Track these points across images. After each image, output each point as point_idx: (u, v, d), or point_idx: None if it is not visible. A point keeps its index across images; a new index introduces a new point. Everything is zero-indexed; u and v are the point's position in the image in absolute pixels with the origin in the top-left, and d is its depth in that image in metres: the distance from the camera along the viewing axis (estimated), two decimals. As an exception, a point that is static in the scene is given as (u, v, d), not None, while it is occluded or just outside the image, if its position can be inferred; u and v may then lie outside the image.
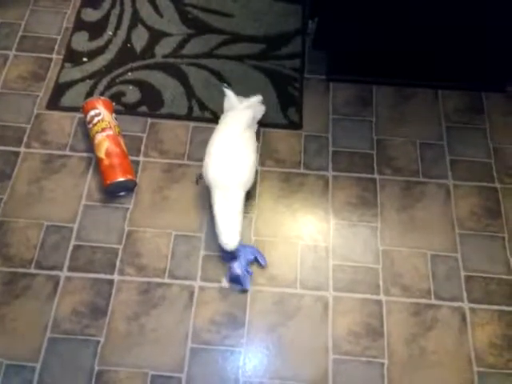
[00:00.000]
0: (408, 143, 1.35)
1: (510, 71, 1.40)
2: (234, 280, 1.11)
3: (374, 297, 1.14)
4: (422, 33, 1.25)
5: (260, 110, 1.29)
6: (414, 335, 1.09)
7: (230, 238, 1.07)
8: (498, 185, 1.29)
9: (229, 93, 1.27)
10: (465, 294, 1.15)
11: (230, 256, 1.11)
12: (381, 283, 1.15)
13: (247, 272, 1.11)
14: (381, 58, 1.39)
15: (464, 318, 1.12)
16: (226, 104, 1.28)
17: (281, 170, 1.30)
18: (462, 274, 1.17)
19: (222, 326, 1.08)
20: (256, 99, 1.29)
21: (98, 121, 1.22)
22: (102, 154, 1.19)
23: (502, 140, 1.36)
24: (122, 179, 1.17)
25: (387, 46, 1.33)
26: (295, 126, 1.36)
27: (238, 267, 1.09)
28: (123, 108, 1.35)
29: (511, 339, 1.10)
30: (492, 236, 1.22)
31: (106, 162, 1.18)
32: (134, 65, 1.43)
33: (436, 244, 1.20)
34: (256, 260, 1.14)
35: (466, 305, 1.14)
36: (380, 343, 1.08)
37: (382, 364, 1.06)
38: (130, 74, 1.41)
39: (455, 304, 1.13)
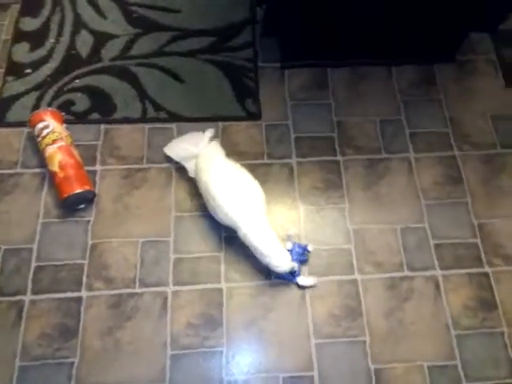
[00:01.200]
0: (367, 122, 1.35)
1: (457, 41, 1.42)
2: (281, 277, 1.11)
3: (350, 277, 1.13)
4: (368, 10, 1.25)
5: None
6: (391, 309, 1.10)
7: (282, 260, 1.05)
8: (456, 152, 1.31)
9: (179, 146, 1.22)
10: (436, 262, 1.16)
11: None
12: (355, 262, 1.15)
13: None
14: (333, 41, 1.38)
15: (437, 286, 1.13)
16: (182, 154, 1.21)
17: (244, 162, 1.27)
18: (432, 242, 1.18)
19: (200, 327, 1.06)
20: (207, 134, 1.22)
21: (48, 133, 1.16)
22: (55, 167, 1.13)
23: (457, 108, 1.37)
24: (79, 191, 1.12)
25: (335, 26, 1.32)
26: (254, 116, 1.34)
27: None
28: (73, 117, 1.30)
29: (484, 299, 1.12)
30: (456, 202, 1.24)
31: (60, 174, 1.13)
32: (81, 71, 1.38)
33: (404, 217, 1.21)
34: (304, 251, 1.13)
35: (438, 272, 1.15)
36: (360, 322, 1.08)
37: (364, 342, 1.07)
38: (77, 81, 1.36)
39: (428, 273, 1.15)
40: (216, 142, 1.21)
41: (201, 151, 1.17)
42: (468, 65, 1.44)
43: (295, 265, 1.08)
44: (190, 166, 1.19)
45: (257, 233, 1.05)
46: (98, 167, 1.24)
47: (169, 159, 1.24)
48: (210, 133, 1.22)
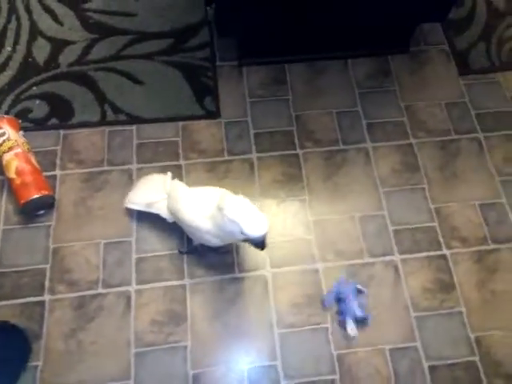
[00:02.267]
0: (325, 114, 1.38)
1: (409, 32, 1.46)
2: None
3: (312, 266, 1.16)
4: (321, 4, 1.28)
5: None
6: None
7: (255, 228, 0.94)
8: (413, 140, 1.34)
9: (141, 196, 1.17)
10: (395, 248, 1.19)
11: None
12: (316, 252, 1.18)
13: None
14: (289, 37, 1.41)
15: (397, 270, 1.16)
16: (146, 201, 1.16)
17: (205, 160, 1.29)
18: (391, 228, 1.21)
19: (164, 324, 1.07)
20: (169, 174, 1.18)
21: (4, 140, 1.17)
22: (12, 174, 1.14)
23: (411, 98, 1.41)
24: (36, 196, 1.12)
25: (290, 22, 1.35)
26: (213, 115, 1.36)
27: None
28: (32, 124, 1.30)
29: (442, 281, 1.15)
30: (413, 188, 1.27)
31: (17, 181, 1.13)
32: (39, 78, 1.38)
33: (363, 205, 1.24)
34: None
35: (397, 257, 1.18)
36: (319, 310, 1.11)
37: (326, 328, 1.09)
38: (34, 88, 1.36)
39: (387, 258, 1.17)
40: (177, 180, 1.17)
41: (169, 191, 1.12)
42: (421, 55, 1.48)
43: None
44: (160, 211, 1.13)
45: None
46: (57, 172, 1.24)
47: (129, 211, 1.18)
48: (170, 174, 1.18)
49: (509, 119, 1.38)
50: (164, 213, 1.13)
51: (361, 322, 1.08)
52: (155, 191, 1.15)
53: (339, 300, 1.09)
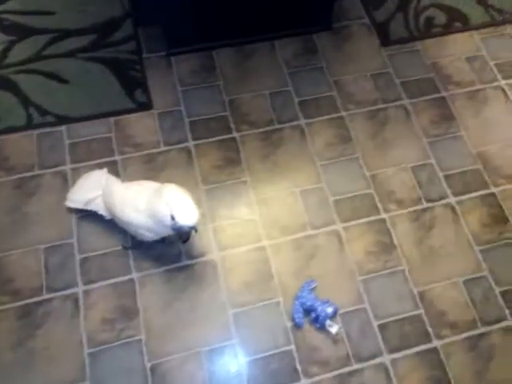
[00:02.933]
0: (258, 96, 1.40)
1: (329, 8, 1.50)
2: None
3: (258, 244, 1.18)
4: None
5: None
6: (299, 268, 1.16)
7: (187, 216, 0.96)
8: (343, 113, 1.39)
9: (79, 194, 1.16)
10: (336, 217, 1.23)
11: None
12: (261, 231, 1.20)
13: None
14: (213, 23, 1.41)
15: (340, 238, 1.20)
16: (85, 200, 1.15)
17: (141, 153, 1.28)
18: (331, 199, 1.25)
19: (116, 321, 1.06)
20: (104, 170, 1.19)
21: None
22: None
23: (339, 72, 1.45)
24: (-36, 207, 1.08)
25: (212, 8, 1.35)
26: (145, 106, 1.34)
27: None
28: (-47, 134, 1.24)
29: (383, 243, 1.21)
30: (348, 159, 1.32)
31: None
32: (-45, 87, 1.31)
33: (302, 180, 1.28)
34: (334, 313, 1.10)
35: (338, 226, 1.22)
36: (273, 284, 1.13)
37: (278, 303, 1.11)
38: (-49, 97, 1.30)
39: (330, 228, 1.22)
40: (113, 176, 1.17)
41: (104, 187, 1.12)
42: (344, 30, 1.53)
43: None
44: (98, 207, 1.13)
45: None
46: (-14, 182, 1.19)
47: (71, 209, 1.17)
48: (105, 170, 1.18)
49: (430, 84, 1.46)
50: (102, 209, 1.12)
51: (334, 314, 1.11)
52: (93, 188, 1.13)
53: (308, 311, 1.10)
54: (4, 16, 1.45)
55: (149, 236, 1.05)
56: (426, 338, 1.11)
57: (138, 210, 1.00)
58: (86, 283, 1.09)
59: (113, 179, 1.13)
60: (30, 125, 1.27)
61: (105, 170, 1.17)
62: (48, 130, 1.28)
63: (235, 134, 1.33)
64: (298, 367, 1.06)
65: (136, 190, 1.05)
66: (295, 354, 1.07)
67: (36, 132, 1.27)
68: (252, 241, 1.18)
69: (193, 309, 1.09)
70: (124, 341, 1.04)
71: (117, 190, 1.08)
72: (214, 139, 1.32)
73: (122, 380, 1.01)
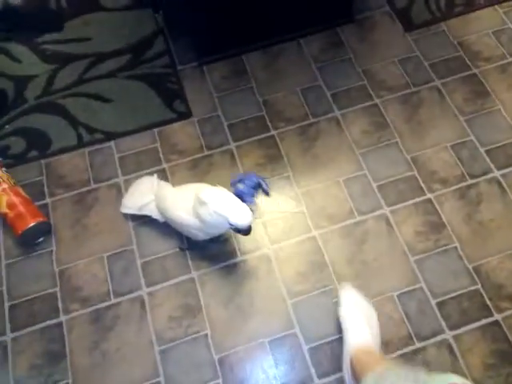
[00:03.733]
0: (290, 94, 1.44)
1: (351, 1, 1.53)
2: (239, 196, 1.09)
3: (308, 235, 1.20)
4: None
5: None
6: (352, 254, 1.18)
7: (241, 216, 0.99)
8: (376, 100, 1.41)
9: (133, 200, 1.22)
10: (382, 201, 1.25)
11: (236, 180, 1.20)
12: (309, 222, 1.23)
13: (253, 190, 1.20)
14: (240, 29, 1.47)
15: (388, 222, 1.22)
16: (139, 204, 1.20)
17: (186, 159, 1.34)
18: (374, 185, 1.27)
19: (182, 318, 1.11)
20: (155, 176, 1.24)
21: (-12, 180, 1.19)
22: (4, 209, 1.16)
23: (367, 62, 1.48)
24: (32, 224, 1.15)
25: (237, 14, 1.40)
26: (185, 115, 1.41)
27: (241, 184, 1.19)
28: (13, 160, 1.33)
29: (432, 223, 1.22)
30: (387, 145, 1.33)
31: (10, 214, 1.16)
32: (9, 116, 1.41)
33: (344, 170, 1.30)
34: (260, 186, 1.20)
35: (385, 210, 1.24)
36: (327, 273, 1.16)
37: (331, 290, 1.14)
38: (7, 126, 1.39)
39: (377, 213, 1.23)
40: (163, 181, 1.22)
41: (156, 192, 1.17)
42: (367, 21, 1.56)
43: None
44: (152, 212, 1.18)
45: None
46: (48, 200, 1.27)
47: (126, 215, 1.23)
48: (156, 176, 1.23)
49: (460, 63, 1.46)
50: (155, 214, 1.17)
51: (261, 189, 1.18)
52: (145, 193, 1.19)
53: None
54: (45, 47, 1.55)
55: (202, 236, 1.09)
56: (487, 311, 1.11)
57: (189, 212, 1.05)
58: (149, 285, 1.15)
59: (163, 183, 1.19)
60: (80, 143, 1.35)
61: (155, 176, 1.23)
62: (98, 146, 1.35)
63: (273, 132, 1.37)
64: (362, 350, 1.07)
65: (184, 192, 1.10)
66: (357, 338, 1.09)
67: (87, 150, 1.35)
68: (302, 232, 1.21)
69: (252, 301, 1.13)
70: (191, 337, 1.09)
71: (168, 193, 1.14)
72: (253, 139, 1.36)
73: (193, 374, 1.05)
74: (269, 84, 1.46)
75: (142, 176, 1.29)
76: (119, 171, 1.31)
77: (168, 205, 1.12)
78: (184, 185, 1.16)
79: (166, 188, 1.18)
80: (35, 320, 1.11)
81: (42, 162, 1.33)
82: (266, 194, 1.23)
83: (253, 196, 1.22)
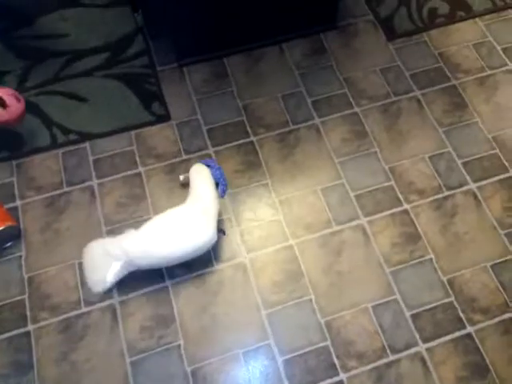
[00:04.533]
0: (271, 99, 1.42)
1: (334, 7, 1.52)
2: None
3: (284, 244, 1.20)
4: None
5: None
6: (328, 264, 1.18)
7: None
8: (356, 109, 1.40)
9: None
10: (359, 212, 1.25)
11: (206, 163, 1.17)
12: (286, 230, 1.22)
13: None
14: (221, 31, 1.45)
15: (365, 232, 1.22)
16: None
17: (164, 163, 1.31)
18: (352, 194, 1.27)
19: (154, 328, 1.09)
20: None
21: (-45, 181, 1.14)
22: (-30, 213, 1.12)
23: (348, 69, 1.48)
24: (1, 228, 1.11)
25: (219, 16, 1.38)
26: (163, 118, 1.38)
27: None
28: (-19, 160, 1.28)
29: (408, 234, 1.22)
30: (366, 154, 1.33)
31: (-23, 218, 1.11)
32: (-21, 113, 1.36)
33: (322, 178, 1.29)
34: (217, 185, 1.15)
35: (363, 220, 1.24)
36: (303, 283, 1.15)
37: (310, 300, 1.13)
38: (-23, 124, 1.34)
39: (354, 223, 1.23)
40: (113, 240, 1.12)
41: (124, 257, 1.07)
42: (350, 28, 1.55)
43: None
44: (121, 274, 1.09)
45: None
46: (18, 202, 1.23)
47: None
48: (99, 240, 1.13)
49: (440, 74, 1.47)
50: (127, 270, 1.09)
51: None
52: (102, 264, 1.08)
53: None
54: (20, 42, 1.50)
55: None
56: (460, 324, 1.12)
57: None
58: (121, 294, 1.12)
59: (124, 242, 1.07)
60: (54, 144, 1.31)
61: (99, 240, 1.12)
62: (72, 147, 1.31)
63: (253, 138, 1.36)
64: (336, 362, 1.07)
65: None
66: (331, 349, 1.09)
67: (61, 151, 1.31)
68: (278, 241, 1.20)
69: (227, 311, 1.12)
70: (163, 347, 1.07)
71: (138, 242, 1.07)
72: (232, 144, 1.35)
73: (164, 385, 1.04)
74: (250, 88, 1.44)
75: (116, 179, 1.26)
76: (93, 174, 1.28)
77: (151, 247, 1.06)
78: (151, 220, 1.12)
79: (132, 240, 1.07)
80: (2, 329, 1.07)
81: (13, 162, 1.29)
82: (221, 196, 1.17)
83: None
